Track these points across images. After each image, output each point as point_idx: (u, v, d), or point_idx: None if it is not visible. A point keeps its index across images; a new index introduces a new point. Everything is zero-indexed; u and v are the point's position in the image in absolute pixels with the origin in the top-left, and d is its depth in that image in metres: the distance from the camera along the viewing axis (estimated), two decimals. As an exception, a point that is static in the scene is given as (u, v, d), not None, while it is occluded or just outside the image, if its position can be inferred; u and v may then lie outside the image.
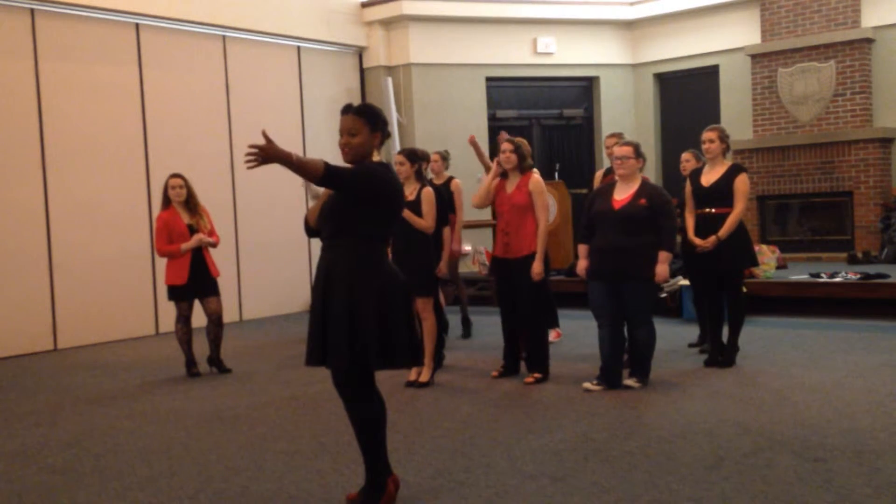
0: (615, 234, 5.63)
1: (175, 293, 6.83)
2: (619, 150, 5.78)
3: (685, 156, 7.27)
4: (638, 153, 5.78)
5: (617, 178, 5.83)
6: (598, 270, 5.74)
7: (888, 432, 4.44)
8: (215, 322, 6.93)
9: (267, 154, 3.33)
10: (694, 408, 5.12)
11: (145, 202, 9.39)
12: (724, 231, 6.16)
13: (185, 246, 6.67)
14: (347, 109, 3.61)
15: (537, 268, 5.95)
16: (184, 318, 6.86)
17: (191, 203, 6.82)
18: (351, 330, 3.46)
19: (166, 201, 6.83)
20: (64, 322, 8.70)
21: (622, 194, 5.72)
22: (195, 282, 6.76)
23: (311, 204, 3.86)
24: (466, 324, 8.32)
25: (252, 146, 3.36)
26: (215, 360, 7.02)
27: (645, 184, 5.76)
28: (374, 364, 3.51)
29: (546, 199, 6.13)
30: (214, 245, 6.84)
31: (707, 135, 6.35)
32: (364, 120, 3.57)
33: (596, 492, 3.75)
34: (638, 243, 5.59)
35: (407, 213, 5.88)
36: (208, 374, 6.97)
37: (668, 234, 5.66)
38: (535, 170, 6.26)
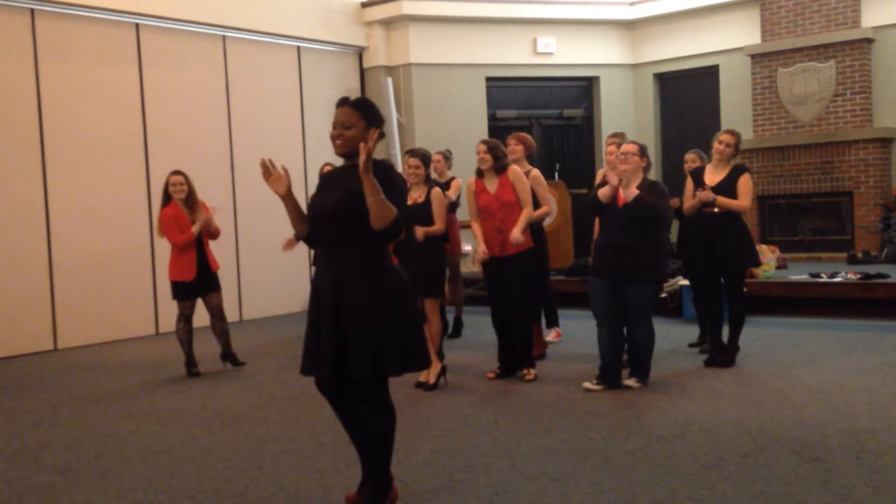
0: (620, 232, 5.63)
1: (180, 291, 6.84)
2: (625, 147, 5.80)
3: (689, 156, 7.25)
4: (643, 153, 5.78)
5: (618, 173, 5.83)
6: (602, 268, 5.75)
7: (888, 432, 4.44)
8: (217, 316, 6.98)
9: (366, 163, 3.31)
10: (694, 408, 5.12)
11: (145, 202, 9.39)
12: (721, 200, 6.16)
13: (195, 228, 6.73)
14: (344, 101, 3.51)
15: (515, 233, 5.96)
16: (185, 318, 6.89)
17: (191, 200, 6.85)
18: (373, 337, 3.37)
19: (167, 198, 6.85)
20: (64, 322, 8.70)
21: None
22: (200, 278, 6.82)
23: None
24: (458, 324, 8.33)
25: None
26: (228, 355, 7.09)
27: (645, 182, 5.77)
28: (395, 370, 3.43)
29: (526, 184, 6.16)
30: (215, 233, 6.90)
31: (726, 138, 6.32)
32: (361, 113, 3.46)
33: (596, 492, 3.75)
34: (642, 243, 5.59)
35: (423, 230, 5.96)
36: (208, 373, 6.97)
37: (660, 210, 5.65)
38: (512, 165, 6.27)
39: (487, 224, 6.17)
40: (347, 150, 3.47)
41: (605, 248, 5.74)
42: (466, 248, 10.44)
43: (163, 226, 6.80)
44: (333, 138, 3.48)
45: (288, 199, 3.49)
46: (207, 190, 7.67)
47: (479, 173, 6.22)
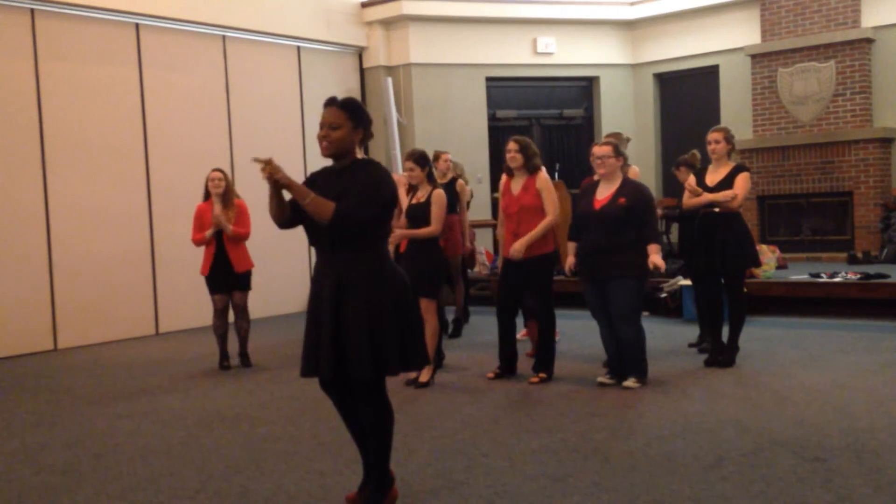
0: (596, 234, 5.71)
1: (207, 284, 7.10)
2: (599, 150, 5.82)
3: (681, 174, 7.24)
4: (618, 152, 5.79)
5: (598, 177, 5.87)
6: (584, 270, 5.85)
7: (888, 432, 4.44)
8: (238, 314, 7.15)
9: (274, 175, 3.28)
10: (694, 408, 5.12)
11: (145, 202, 9.39)
12: (707, 196, 6.18)
13: (209, 232, 6.95)
14: (331, 102, 3.48)
15: (517, 245, 5.94)
16: (218, 312, 7.07)
17: (227, 197, 7.02)
18: (372, 337, 3.37)
19: (207, 193, 7.08)
20: (64, 322, 8.70)
21: (603, 194, 5.78)
22: (217, 275, 7.01)
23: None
24: (458, 324, 8.33)
25: (257, 159, 3.31)
26: (241, 354, 7.23)
27: (625, 182, 5.78)
28: (394, 370, 3.43)
29: (555, 196, 6.08)
30: (232, 233, 6.96)
31: (713, 135, 6.34)
32: (347, 114, 3.43)
33: (596, 492, 3.74)
34: (618, 242, 5.63)
35: (408, 232, 6.04)
36: (208, 373, 6.97)
37: (650, 229, 5.72)
38: (542, 168, 6.24)
39: (507, 226, 6.16)
40: (335, 151, 3.46)
41: (585, 250, 5.82)
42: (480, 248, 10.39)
43: (193, 220, 7.09)
44: (320, 139, 3.45)
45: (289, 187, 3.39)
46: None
47: (509, 172, 6.16)
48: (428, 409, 5.41)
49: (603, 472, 4.01)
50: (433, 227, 6.03)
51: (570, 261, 5.98)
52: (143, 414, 5.63)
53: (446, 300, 7.85)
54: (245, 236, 7.06)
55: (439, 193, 6.09)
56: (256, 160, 3.33)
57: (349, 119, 3.44)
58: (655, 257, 5.64)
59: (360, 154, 3.55)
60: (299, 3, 10.88)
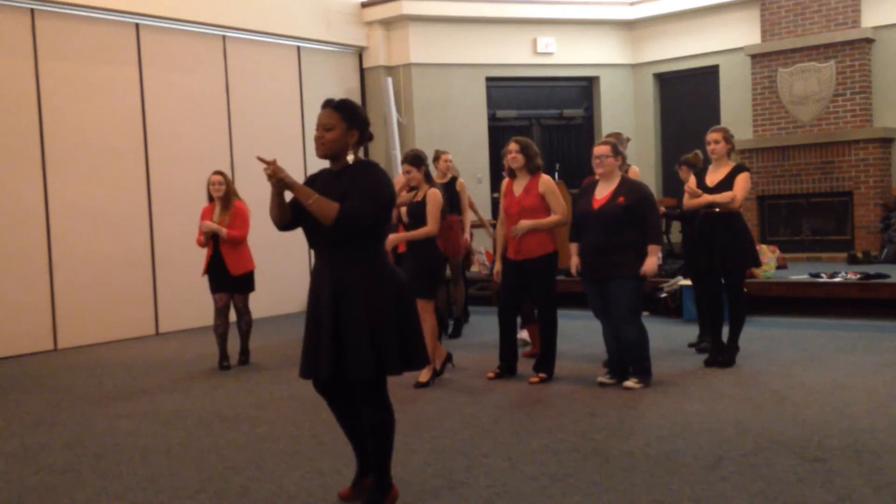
0: (595, 233, 5.71)
1: (208, 282, 7.17)
2: (597, 150, 5.81)
3: (682, 173, 7.25)
4: (616, 151, 5.78)
5: (597, 176, 5.87)
6: (585, 270, 5.86)
7: (888, 432, 4.44)
8: (238, 314, 7.20)
9: (277, 174, 3.32)
10: (694, 408, 5.12)
11: (145, 202, 9.39)
12: (707, 197, 6.18)
13: (203, 238, 7.04)
14: (328, 103, 3.51)
15: (520, 224, 5.94)
16: (218, 311, 7.12)
17: (226, 200, 7.07)
18: (373, 338, 3.38)
19: (209, 196, 7.16)
20: (64, 322, 8.70)
21: (602, 193, 5.78)
22: (214, 276, 7.09)
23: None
24: (458, 323, 8.32)
25: (261, 159, 3.37)
26: (241, 351, 7.30)
27: (624, 181, 5.78)
28: (395, 370, 3.44)
29: (560, 198, 6.07)
30: (226, 236, 6.97)
31: (712, 135, 6.34)
32: (341, 115, 3.46)
33: (596, 492, 3.75)
34: (617, 242, 5.63)
35: (402, 235, 6.08)
36: (208, 373, 6.97)
37: (652, 228, 5.71)
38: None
39: (508, 227, 6.14)
40: (328, 151, 3.48)
41: (584, 251, 5.83)
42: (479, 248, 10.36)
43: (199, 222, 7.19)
44: (315, 140, 3.49)
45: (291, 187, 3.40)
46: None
47: (512, 174, 6.16)
48: (428, 409, 5.41)
49: (603, 472, 4.01)
50: (429, 228, 6.01)
51: (574, 261, 5.98)
52: (143, 414, 5.63)
53: (442, 301, 7.84)
54: (240, 239, 7.05)
55: (433, 192, 6.06)
56: (260, 159, 3.39)
57: (343, 120, 3.46)
58: (651, 259, 5.63)
59: (351, 155, 3.53)
60: (299, 3, 10.88)
